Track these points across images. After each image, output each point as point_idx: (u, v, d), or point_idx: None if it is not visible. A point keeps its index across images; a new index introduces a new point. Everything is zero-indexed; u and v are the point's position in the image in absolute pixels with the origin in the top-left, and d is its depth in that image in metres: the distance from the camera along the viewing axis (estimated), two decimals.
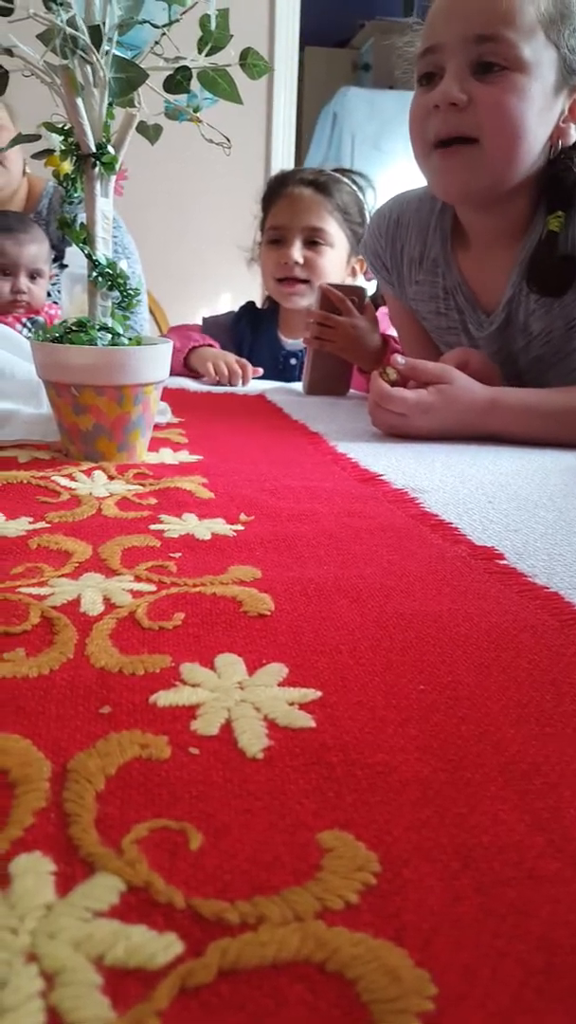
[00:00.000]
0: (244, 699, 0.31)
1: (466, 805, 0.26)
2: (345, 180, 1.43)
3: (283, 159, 2.62)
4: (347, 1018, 0.18)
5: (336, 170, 1.46)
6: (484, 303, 0.99)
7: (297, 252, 1.38)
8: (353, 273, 1.47)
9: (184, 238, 2.55)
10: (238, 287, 2.26)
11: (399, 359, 0.87)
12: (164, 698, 0.31)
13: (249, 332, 1.54)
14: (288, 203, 1.40)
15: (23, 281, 1.18)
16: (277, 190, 1.43)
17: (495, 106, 0.83)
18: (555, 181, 0.89)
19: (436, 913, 0.21)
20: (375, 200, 1.48)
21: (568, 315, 0.92)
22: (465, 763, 0.28)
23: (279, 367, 1.47)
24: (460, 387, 0.85)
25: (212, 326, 1.53)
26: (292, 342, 1.50)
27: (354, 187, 1.44)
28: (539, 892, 0.22)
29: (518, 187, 0.90)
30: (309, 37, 3.12)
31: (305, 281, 1.40)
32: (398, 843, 0.24)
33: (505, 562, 0.48)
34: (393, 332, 1.26)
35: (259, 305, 1.60)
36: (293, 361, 1.49)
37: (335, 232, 1.40)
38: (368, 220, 1.44)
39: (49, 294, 1.33)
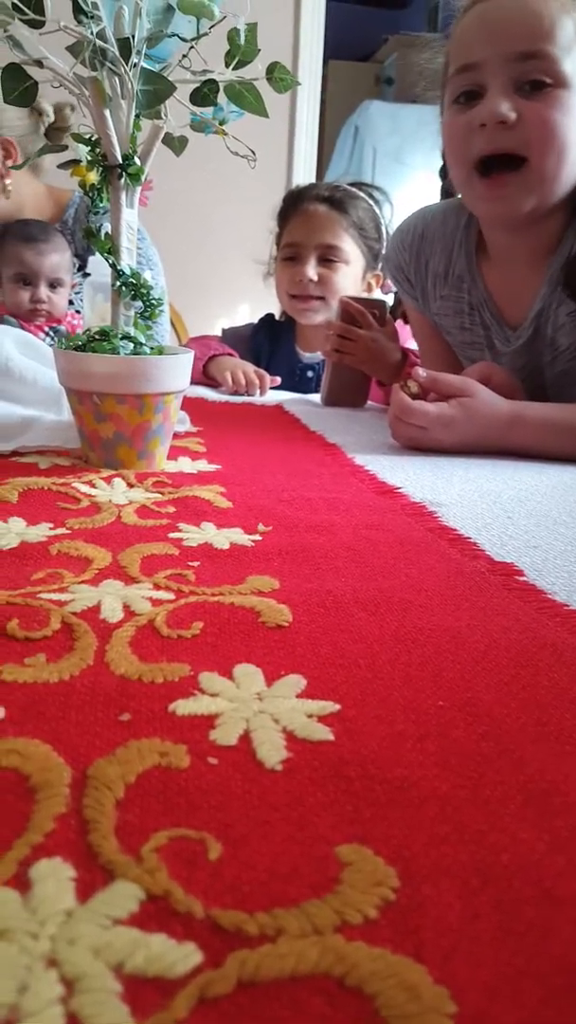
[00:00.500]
0: (262, 710, 0.31)
1: (485, 823, 0.26)
2: (361, 195, 1.43)
3: (305, 172, 2.63)
4: None
5: (353, 184, 1.47)
6: (510, 318, 0.99)
7: (311, 270, 1.39)
8: (369, 288, 1.47)
9: (204, 249, 2.57)
10: (257, 299, 2.27)
11: (420, 372, 0.87)
12: (183, 707, 0.31)
13: (267, 344, 1.55)
14: (303, 220, 1.41)
15: (43, 291, 1.19)
16: (292, 206, 1.44)
17: (542, 123, 0.82)
18: None
19: (455, 931, 0.21)
20: (392, 214, 1.48)
21: None
22: (484, 780, 0.28)
23: (296, 379, 1.48)
24: (482, 401, 0.85)
25: (231, 337, 1.54)
26: (309, 355, 1.51)
27: (370, 202, 1.44)
28: (559, 913, 0.22)
29: (556, 205, 0.89)
30: (333, 51, 3.14)
31: (320, 298, 1.40)
32: (417, 859, 0.24)
33: (524, 579, 0.48)
34: (413, 345, 1.27)
35: (277, 317, 1.60)
36: (310, 374, 1.50)
37: (350, 249, 1.40)
38: (384, 235, 1.44)
39: (71, 302, 1.35)
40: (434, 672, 0.35)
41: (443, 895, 0.22)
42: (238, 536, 0.53)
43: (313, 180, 2.46)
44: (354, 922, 0.21)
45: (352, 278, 1.42)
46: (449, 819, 0.26)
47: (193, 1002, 0.19)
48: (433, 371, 0.88)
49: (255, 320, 1.63)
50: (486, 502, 0.66)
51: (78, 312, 1.29)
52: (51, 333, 1.18)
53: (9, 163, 1.29)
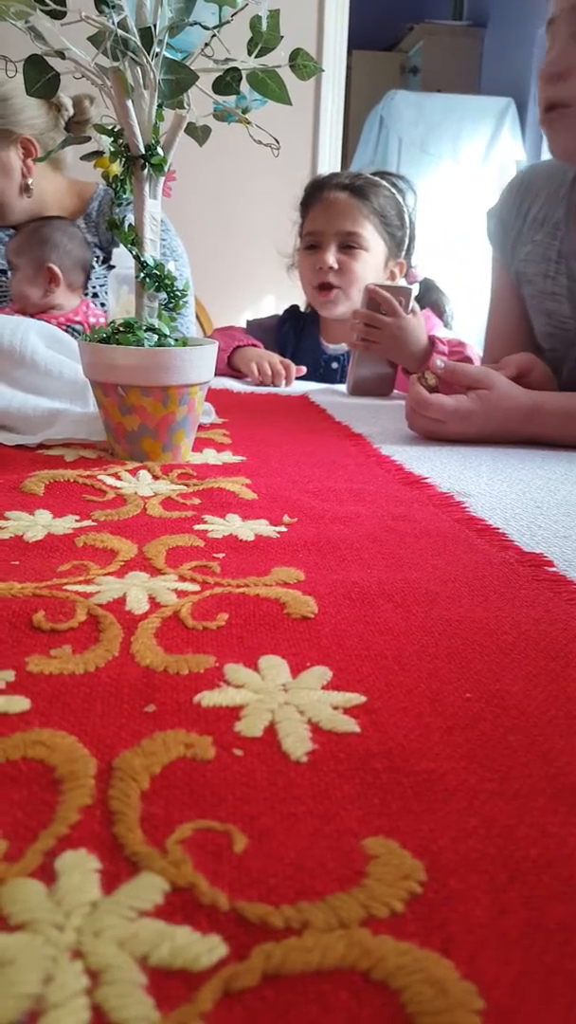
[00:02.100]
0: (288, 702, 0.31)
1: (513, 816, 0.25)
2: (384, 184, 1.42)
3: (329, 162, 2.62)
4: None
5: (376, 173, 1.45)
6: None
7: (331, 257, 1.38)
8: (392, 277, 1.46)
9: (228, 241, 2.56)
10: (282, 290, 2.26)
11: (438, 362, 0.86)
12: (208, 698, 0.31)
13: (292, 335, 1.54)
14: (323, 208, 1.40)
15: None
16: (313, 195, 1.43)
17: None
18: None
19: (483, 926, 0.21)
20: (416, 203, 1.46)
21: None
22: (512, 774, 0.27)
23: (321, 371, 1.47)
24: (500, 393, 0.84)
25: (256, 328, 1.54)
26: (334, 347, 1.50)
27: (393, 190, 1.42)
28: None
29: None
30: (357, 41, 3.11)
31: (339, 287, 1.39)
32: (444, 853, 0.23)
33: (554, 569, 0.47)
34: (438, 333, 1.25)
35: (303, 309, 1.60)
36: (335, 365, 1.49)
37: (371, 236, 1.39)
38: (408, 224, 1.43)
39: (96, 295, 1.35)
40: (461, 664, 0.35)
41: (471, 890, 0.22)
42: (263, 528, 0.53)
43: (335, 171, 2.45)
44: (380, 916, 0.21)
45: (373, 266, 1.41)
46: (477, 813, 0.25)
47: (218, 995, 0.18)
48: (451, 362, 0.88)
49: (280, 312, 1.62)
50: (515, 492, 0.65)
51: (103, 306, 1.29)
52: (70, 332, 1.19)
53: (30, 161, 1.30)
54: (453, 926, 0.21)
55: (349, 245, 1.38)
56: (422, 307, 1.26)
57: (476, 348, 1.23)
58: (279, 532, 0.52)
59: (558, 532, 0.55)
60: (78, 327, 1.21)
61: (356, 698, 0.32)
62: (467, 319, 2.01)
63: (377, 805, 0.25)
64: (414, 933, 0.21)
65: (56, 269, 1.21)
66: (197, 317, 1.89)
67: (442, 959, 0.20)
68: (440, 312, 1.47)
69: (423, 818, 0.25)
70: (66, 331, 1.12)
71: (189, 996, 0.18)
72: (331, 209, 1.39)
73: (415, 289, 1.23)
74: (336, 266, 1.38)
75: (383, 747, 0.28)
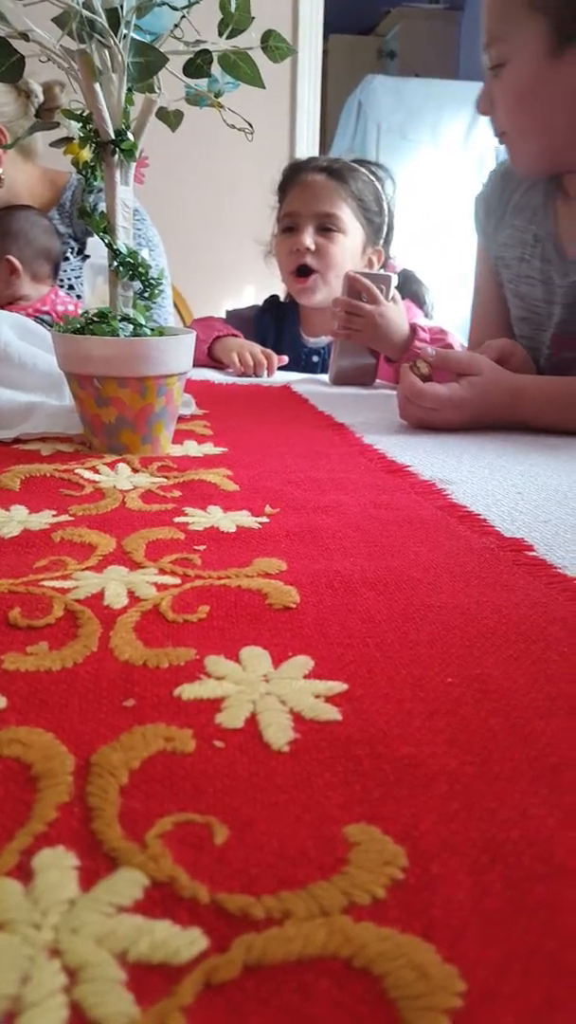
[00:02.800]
0: (269, 692, 0.31)
1: (495, 799, 0.25)
2: (362, 169, 1.41)
3: (308, 150, 2.60)
4: (374, 1015, 0.18)
5: (355, 161, 1.44)
6: (572, 254, 1.00)
7: (309, 238, 1.36)
8: (370, 264, 1.45)
9: (207, 229, 2.55)
10: (262, 280, 2.25)
11: (429, 350, 0.87)
12: (189, 691, 0.31)
13: (272, 327, 1.53)
14: (301, 190, 1.39)
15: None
16: (291, 177, 1.42)
17: (502, 101, 0.93)
18: None
19: (465, 909, 0.21)
20: (395, 191, 1.45)
21: None
22: (494, 757, 0.27)
23: (302, 364, 1.46)
24: (489, 379, 0.85)
25: (235, 319, 1.52)
26: (314, 340, 1.49)
27: (372, 177, 1.41)
28: (570, 888, 0.22)
29: None
30: (333, 24, 3.09)
31: (317, 272, 1.38)
32: (426, 837, 0.23)
33: (534, 553, 0.47)
34: (420, 321, 1.25)
35: (282, 299, 1.58)
36: (316, 359, 1.48)
37: (348, 220, 1.38)
38: (387, 211, 1.42)
39: (72, 286, 1.33)
40: (443, 649, 0.35)
41: (452, 873, 0.22)
42: (245, 519, 0.52)
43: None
44: (362, 903, 0.21)
45: (351, 251, 1.40)
46: (458, 796, 0.25)
47: (199, 988, 0.18)
48: (441, 349, 0.89)
49: (260, 302, 1.61)
50: (496, 478, 0.65)
51: (79, 297, 1.28)
52: (40, 323, 1.18)
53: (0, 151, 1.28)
54: (435, 910, 0.21)
55: (327, 228, 1.37)
56: (402, 298, 1.25)
57: (458, 336, 1.23)
58: (261, 523, 0.52)
59: (538, 517, 0.55)
60: (47, 317, 1.19)
61: (338, 686, 0.31)
62: (448, 308, 2.00)
63: (359, 792, 0.25)
64: (396, 919, 0.20)
65: (15, 261, 1.19)
66: (176, 307, 1.88)
67: (424, 943, 0.20)
68: (420, 303, 1.47)
69: (405, 803, 0.25)
70: (35, 322, 1.11)
71: (170, 990, 0.18)
72: (309, 191, 1.38)
73: (394, 278, 1.22)
74: (313, 247, 1.36)
75: (365, 734, 0.28)
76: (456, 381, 0.85)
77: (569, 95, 0.88)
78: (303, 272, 1.38)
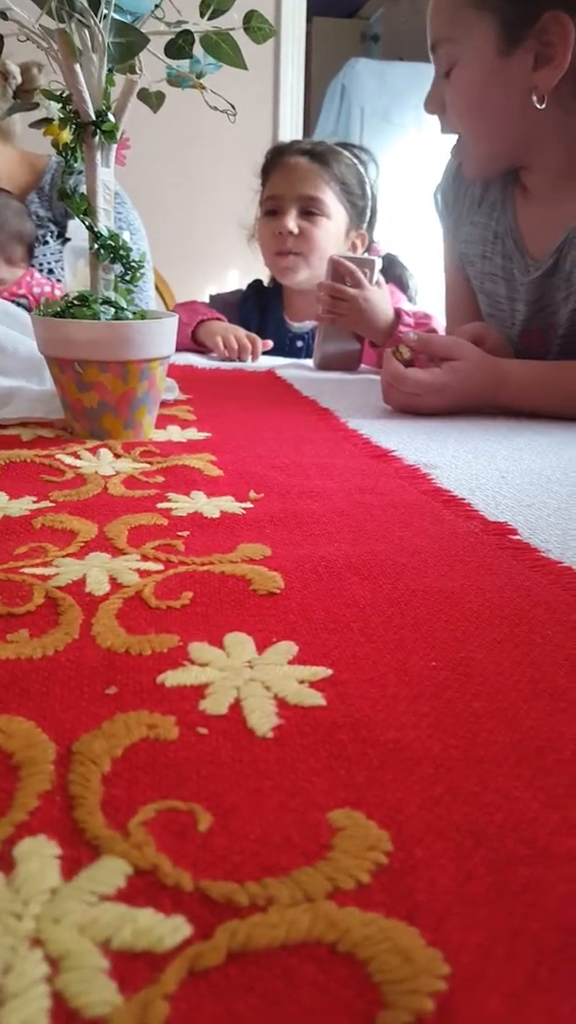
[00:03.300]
0: (253, 678, 0.31)
1: (479, 783, 0.25)
2: (346, 153, 1.40)
3: (291, 132, 2.58)
4: (359, 999, 0.18)
5: (339, 144, 1.43)
6: (533, 250, 0.99)
7: (292, 221, 1.35)
8: (354, 248, 1.44)
9: (190, 215, 2.52)
10: (246, 264, 2.23)
11: (411, 334, 0.87)
12: (172, 678, 0.30)
13: (256, 312, 1.52)
14: (284, 172, 1.38)
15: None
16: (274, 160, 1.41)
17: (455, 104, 0.92)
18: None
19: (449, 892, 0.21)
20: (378, 175, 1.45)
21: None
22: (478, 740, 0.27)
23: (286, 350, 1.45)
24: (472, 363, 0.85)
25: (219, 304, 1.51)
26: (298, 325, 1.48)
27: (355, 161, 1.40)
28: (553, 870, 0.22)
29: (539, 148, 0.92)
30: (316, 7, 3.06)
31: (299, 253, 1.37)
32: (410, 822, 0.23)
33: (518, 537, 0.47)
34: (404, 305, 1.25)
35: (266, 284, 1.57)
36: (299, 344, 1.48)
37: (332, 203, 1.37)
38: (370, 195, 1.42)
39: (52, 270, 1.32)
40: (427, 634, 0.35)
41: (436, 857, 0.22)
42: (229, 504, 0.52)
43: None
44: (346, 888, 0.21)
45: (334, 235, 1.39)
46: (442, 780, 0.25)
47: (183, 975, 0.18)
48: (424, 334, 0.88)
49: (244, 287, 1.60)
50: (480, 463, 0.65)
51: (59, 281, 1.26)
52: (16, 306, 1.16)
53: None
54: (419, 894, 0.21)
55: (310, 211, 1.36)
56: (386, 282, 1.25)
57: (442, 320, 1.22)
58: (245, 508, 0.51)
59: (522, 501, 0.55)
60: (23, 300, 1.18)
61: (322, 671, 0.31)
62: (432, 292, 2.00)
63: (343, 777, 0.25)
64: (380, 903, 0.20)
65: None
66: (159, 292, 1.86)
67: (408, 927, 0.20)
68: (404, 287, 1.46)
69: (389, 788, 0.25)
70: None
71: (153, 978, 0.18)
72: (292, 174, 1.37)
73: (378, 262, 1.22)
74: (296, 231, 1.36)
75: (349, 719, 0.28)
76: (439, 366, 0.85)
77: (519, 94, 0.87)
78: (285, 253, 1.38)
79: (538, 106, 0.87)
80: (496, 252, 1.03)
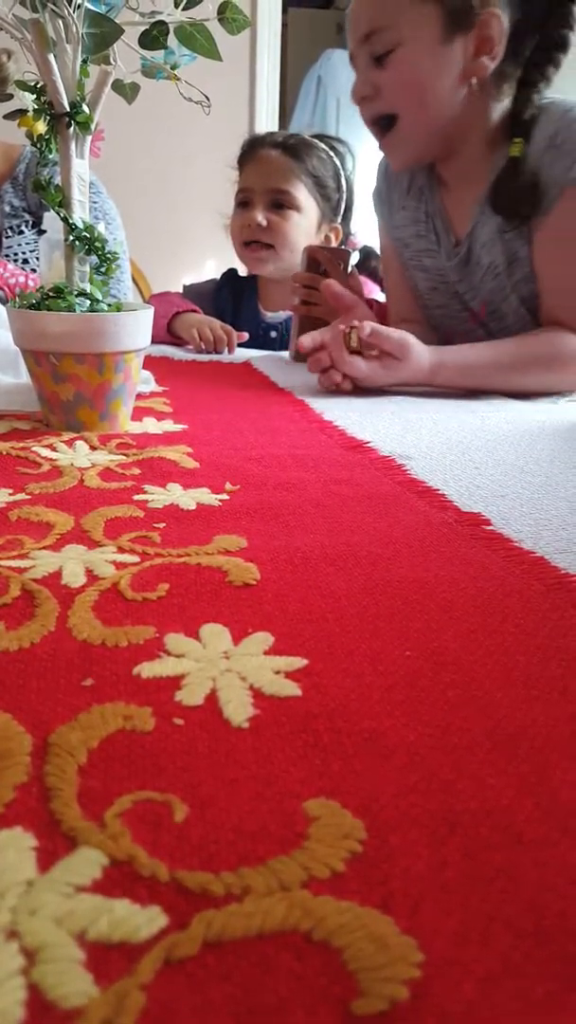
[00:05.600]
0: (229, 668, 0.31)
1: (453, 770, 0.25)
2: (321, 145, 1.39)
3: (267, 124, 2.56)
4: (334, 987, 0.18)
5: (315, 136, 1.42)
6: (458, 233, 1.06)
7: (260, 215, 1.35)
8: (327, 242, 1.44)
9: (167, 204, 2.51)
10: (223, 254, 2.22)
11: (366, 327, 0.90)
12: (148, 669, 0.30)
13: (231, 302, 1.51)
14: (256, 165, 1.37)
15: None
16: (248, 153, 1.40)
17: (396, 88, 0.95)
18: (514, 116, 0.96)
19: (423, 879, 0.21)
20: (355, 167, 1.44)
21: (510, 250, 0.99)
22: (452, 728, 0.28)
23: (260, 340, 1.45)
24: (410, 364, 0.91)
25: (193, 294, 1.50)
26: (272, 315, 1.48)
27: (331, 153, 1.40)
28: (527, 856, 0.22)
29: (463, 133, 0.98)
30: None
31: (269, 246, 1.37)
32: (385, 810, 0.24)
33: (491, 528, 0.48)
34: (378, 297, 1.25)
35: (241, 273, 1.57)
36: (273, 334, 1.47)
37: (303, 197, 1.36)
38: (345, 187, 1.42)
39: (27, 260, 1.30)
40: (401, 623, 0.35)
41: (411, 845, 0.22)
42: (205, 496, 0.52)
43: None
44: (321, 876, 0.21)
45: (305, 228, 1.39)
46: (417, 768, 0.25)
47: (159, 965, 0.18)
48: (376, 325, 0.91)
49: (219, 276, 1.59)
50: (454, 453, 0.66)
51: (34, 271, 1.25)
52: None
53: None
54: (394, 882, 0.21)
55: (280, 204, 1.36)
56: (360, 274, 1.25)
57: None
58: (221, 500, 0.51)
59: (495, 492, 0.56)
60: None
61: (298, 662, 0.31)
62: None
63: (319, 766, 0.25)
64: (355, 891, 0.21)
65: None
66: (135, 282, 1.85)
67: (382, 915, 0.20)
68: (379, 280, 1.46)
69: (364, 776, 0.25)
70: None
71: (129, 968, 0.18)
72: (263, 167, 1.36)
73: (354, 255, 1.21)
74: (265, 223, 1.35)
75: (324, 708, 0.28)
76: (379, 358, 0.90)
77: (457, 80, 0.93)
78: (253, 245, 1.38)
79: (476, 90, 0.94)
80: (430, 229, 1.09)
